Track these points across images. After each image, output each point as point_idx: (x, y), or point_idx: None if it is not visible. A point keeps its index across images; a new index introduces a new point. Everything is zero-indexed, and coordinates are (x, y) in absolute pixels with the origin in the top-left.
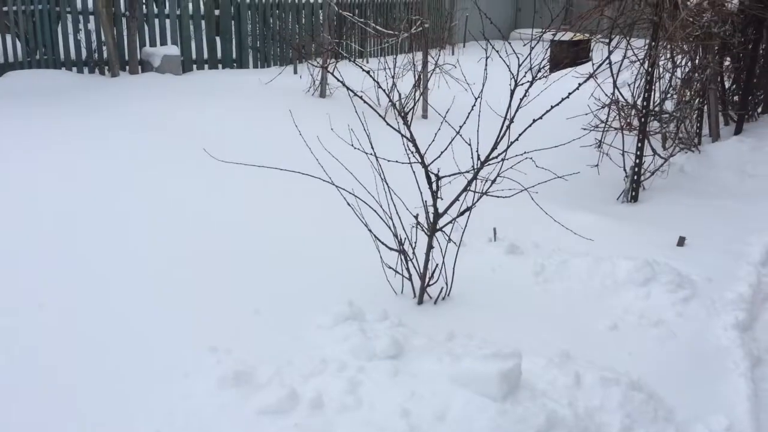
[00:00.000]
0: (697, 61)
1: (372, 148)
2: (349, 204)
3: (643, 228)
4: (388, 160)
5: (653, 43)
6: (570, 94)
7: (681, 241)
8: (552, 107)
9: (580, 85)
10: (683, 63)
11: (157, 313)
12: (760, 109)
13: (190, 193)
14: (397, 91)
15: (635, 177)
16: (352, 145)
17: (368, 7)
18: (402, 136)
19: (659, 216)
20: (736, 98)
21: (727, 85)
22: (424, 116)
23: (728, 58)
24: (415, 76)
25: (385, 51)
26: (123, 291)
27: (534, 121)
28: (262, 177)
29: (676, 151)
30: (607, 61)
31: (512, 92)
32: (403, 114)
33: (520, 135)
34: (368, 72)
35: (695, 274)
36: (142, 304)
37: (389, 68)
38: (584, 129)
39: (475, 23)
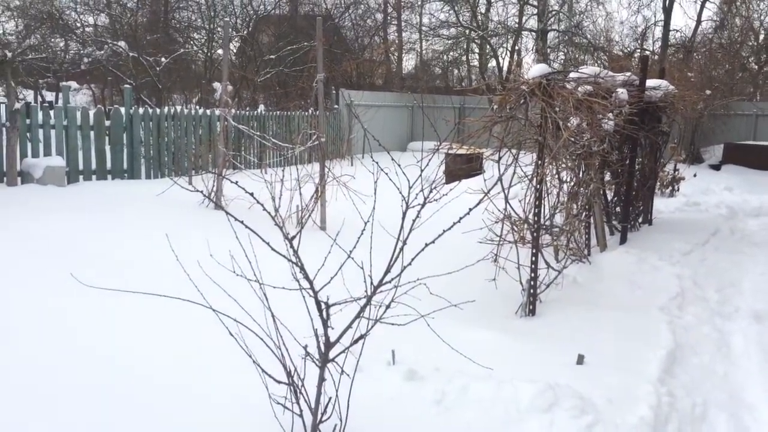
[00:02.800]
0: (581, 176)
1: (256, 275)
2: (231, 334)
3: (543, 344)
4: (274, 287)
5: (539, 161)
6: (461, 218)
7: (580, 359)
8: (444, 231)
9: (470, 210)
10: (568, 179)
11: None
12: (640, 220)
13: (48, 315)
14: (300, 201)
15: (531, 290)
16: (234, 272)
17: (268, 119)
18: (289, 261)
19: (557, 330)
20: (618, 209)
21: (609, 197)
22: (323, 227)
23: (608, 173)
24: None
25: (283, 162)
26: None
27: (426, 245)
28: (142, 302)
29: (568, 263)
30: (499, 179)
31: (404, 214)
32: (288, 236)
33: (412, 260)
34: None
35: (597, 396)
36: None
37: (287, 179)
38: (480, 242)
39: (375, 134)
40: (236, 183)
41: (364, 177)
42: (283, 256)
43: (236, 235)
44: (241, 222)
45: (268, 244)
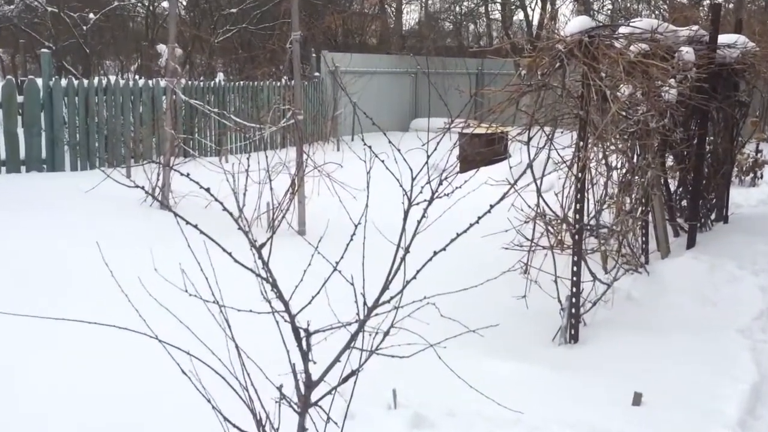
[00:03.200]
0: (635, 161)
1: (214, 294)
2: (184, 372)
3: (588, 379)
4: (239, 310)
5: (581, 143)
6: (480, 218)
7: (637, 399)
8: (458, 235)
9: (491, 207)
10: (619, 165)
11: None
12: (713, 216)
13: None
14: (272, 197)
15: (573, 310)
16: (186, 291)
17: (228, 91)
18: (257, 276)
19: (606, 361)
20: (684, 203)
21: (672, 188)
22: (301, 231)
23: (671, 157)
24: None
25: (249, 147)
26: None
27: (435, 253)
28: (62, 332)
29: (620, 274)
30: (529, 166)
31: (406, 213)
32: (256, 243)
33: (417, 272)
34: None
35: None
36: None
37: (254, 170)
38: (506, 248)
39: (368, 109)
40: (187, 175)
41: (354, 165)
42: (250, 270)
43: (188, 243)
44: (195, 226)
45: (229, 254)
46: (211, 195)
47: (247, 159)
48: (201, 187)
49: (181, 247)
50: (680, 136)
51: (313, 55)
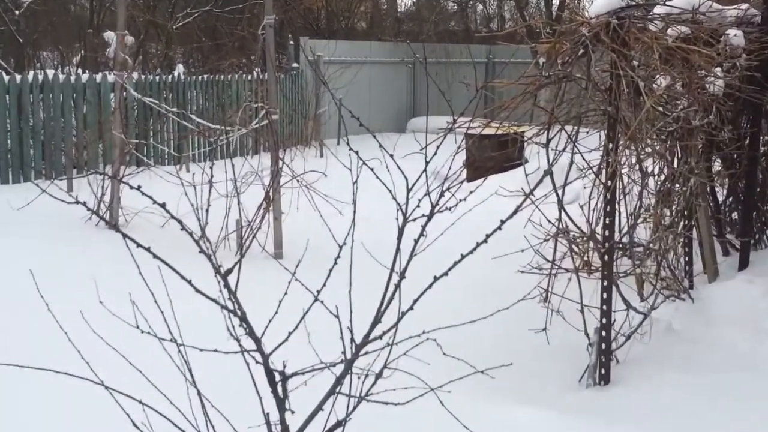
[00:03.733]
0: (675, 166)
1: (171, 331)
2: (135, 424)
3: (621, 428)
4: (201, 349)
5: (610, 145)
6: (489, 236)
7: None
8: (463, 257)
9: (503, 222)
10: (656, 170)
11: None
12: None
13: None
14: (241, 213)
15: (603, 345)
16: (138, 327)
17: (189, 87)
18: (222, 308)
19: (643, 407)
20: (735, 216)
21: (720, 198)
22: (277, 254)
23: (718, 161)
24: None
25: (215, 154)
26: None
27: (436, 279)
28: None
29: (659, 302)
30: (547, 172)
31: (401, 232)
32: (221, 269)
33: (415, 302)
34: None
35: None
36: None
37: (220, 180)
38: (522, 272)
39: (357, 106)
40: (139, 188)
41: (340, 174)
42: (214, 301)
43: (139, 270)
44: (147, 249)
45: (189, 282)
46: (168, 212)
47: (211, 168)
48: (155, 202)
49: (132, 275)
50: (729, 136)
51: (291, 42)
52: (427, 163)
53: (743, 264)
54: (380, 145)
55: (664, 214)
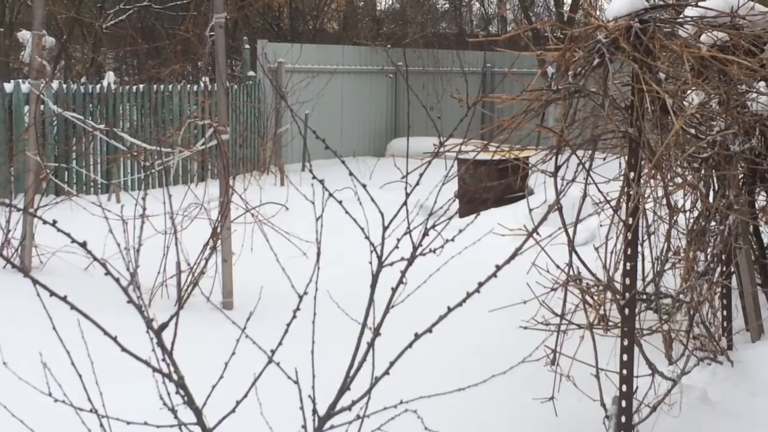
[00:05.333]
0: (711, 199)
1: (91, 400)
2: None
3: None
4: (128, 422)
5: (632, 173)
6: (482, 284)
7: None
8: (450, 310)
9: (498, 268)
10: (688, 205)
11: None
12: None
13: None
14: (180, 255)
15: (623, 418)
16: (51, 395)
17: (122, 99)
18: (155, 372)
19: None
20: None
21: (765, 239)
22: (226, 303)
23: (763, 194)
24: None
25: (151, 181)
26: None
27: (417, 336)
28: None
29: (691, 365)
30: (554, 207)
31: (374, 279)
32: (155, 323)
33: (392, 364)
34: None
35: None
36: None
37: (157, 213)
38: (524, 327)
39: (327, 123)
40: (54, 224)
41: (305, 207)
42: (145, 363)
43: (53, 325)
44: (63, 299)
45: (114, 339)
46: (90, 253)
47: (145, 198)
48: (74, 240)
49: (45, 330)
50: None
51: (247, 46)
52: (407, 194)
53: None
54: (350, 174)
55: (697, 258)
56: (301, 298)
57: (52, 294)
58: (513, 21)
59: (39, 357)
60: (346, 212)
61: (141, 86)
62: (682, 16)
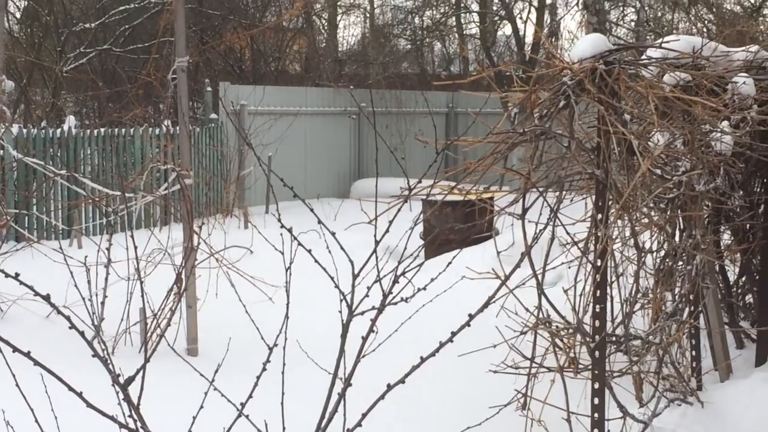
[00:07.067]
0: (677, 240)
1: None
2: None
3: None
4: None
5: (599, 215)
6: (454, 335)
7: None
8: (423, 360)
9: (471, 317)
10: (655, 246)
11: None
12: None
13: None
14: (145, 302)
15: None
16: None
17: (83, 143)
18: (122, 427)
19: None
20: (750, 299)
21: (732, 277)
22: (191, 350)
23: (728, 233)
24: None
25: (114, 226)
26: None
27: (390, 387)
28: None
29: (661, 407)
30: (526, 254)
31: (345, 328)
32: (119, 376)
33: (364, 416)
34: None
35: None
36: None
37: (119, 259)
38: (495, 372)
39: (290, 165)
40: (17, 277)
41: (270, 251)
42: (111, 419)
43: (16, 381)
44: (27, 354)
45: (79, 395)
46: (53, 306)
47: (109, 244)
48: (37, 293)
49: (8, 385)
50: (740, 203)
51: (208, 89)
52: (377, 241)
53: (761, 358)
54: (319, 221)
55: (665, 298)
56: (271, 349)
57: (15, 350)
58: (475, 61)
59: (2, 415)
60: (315, 261)
61: (102, 130)
62: (645, 57)
